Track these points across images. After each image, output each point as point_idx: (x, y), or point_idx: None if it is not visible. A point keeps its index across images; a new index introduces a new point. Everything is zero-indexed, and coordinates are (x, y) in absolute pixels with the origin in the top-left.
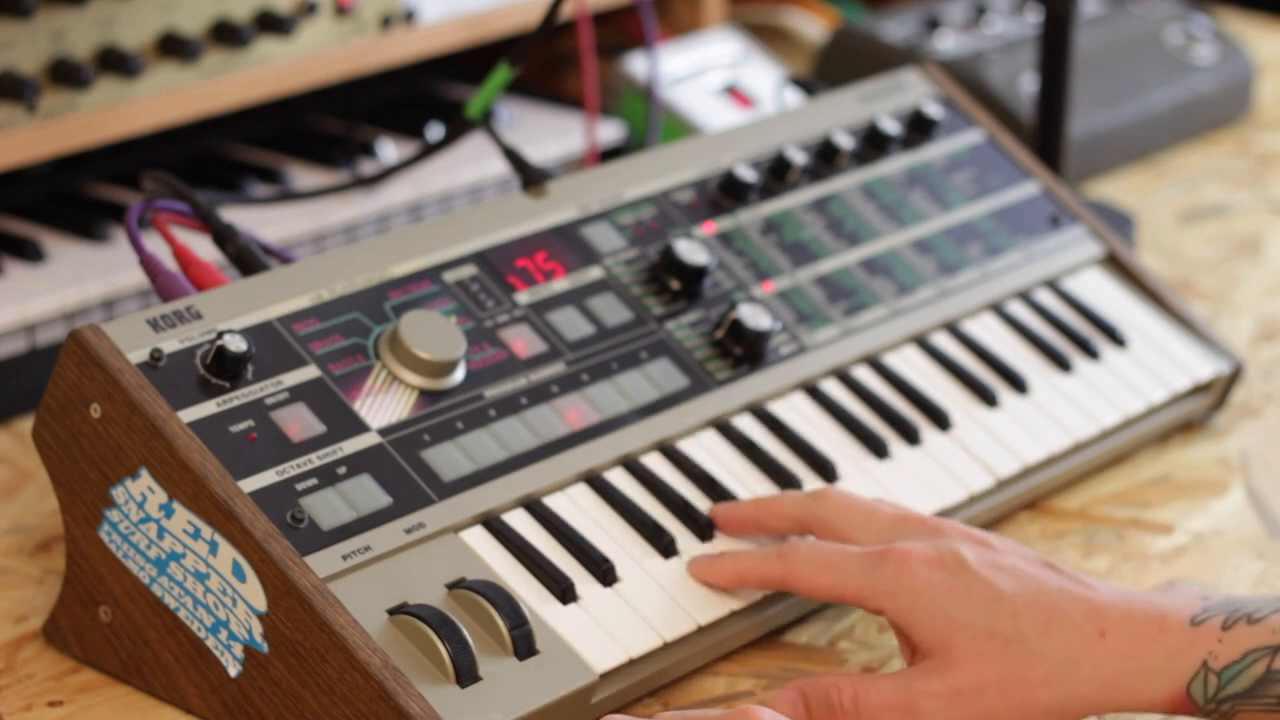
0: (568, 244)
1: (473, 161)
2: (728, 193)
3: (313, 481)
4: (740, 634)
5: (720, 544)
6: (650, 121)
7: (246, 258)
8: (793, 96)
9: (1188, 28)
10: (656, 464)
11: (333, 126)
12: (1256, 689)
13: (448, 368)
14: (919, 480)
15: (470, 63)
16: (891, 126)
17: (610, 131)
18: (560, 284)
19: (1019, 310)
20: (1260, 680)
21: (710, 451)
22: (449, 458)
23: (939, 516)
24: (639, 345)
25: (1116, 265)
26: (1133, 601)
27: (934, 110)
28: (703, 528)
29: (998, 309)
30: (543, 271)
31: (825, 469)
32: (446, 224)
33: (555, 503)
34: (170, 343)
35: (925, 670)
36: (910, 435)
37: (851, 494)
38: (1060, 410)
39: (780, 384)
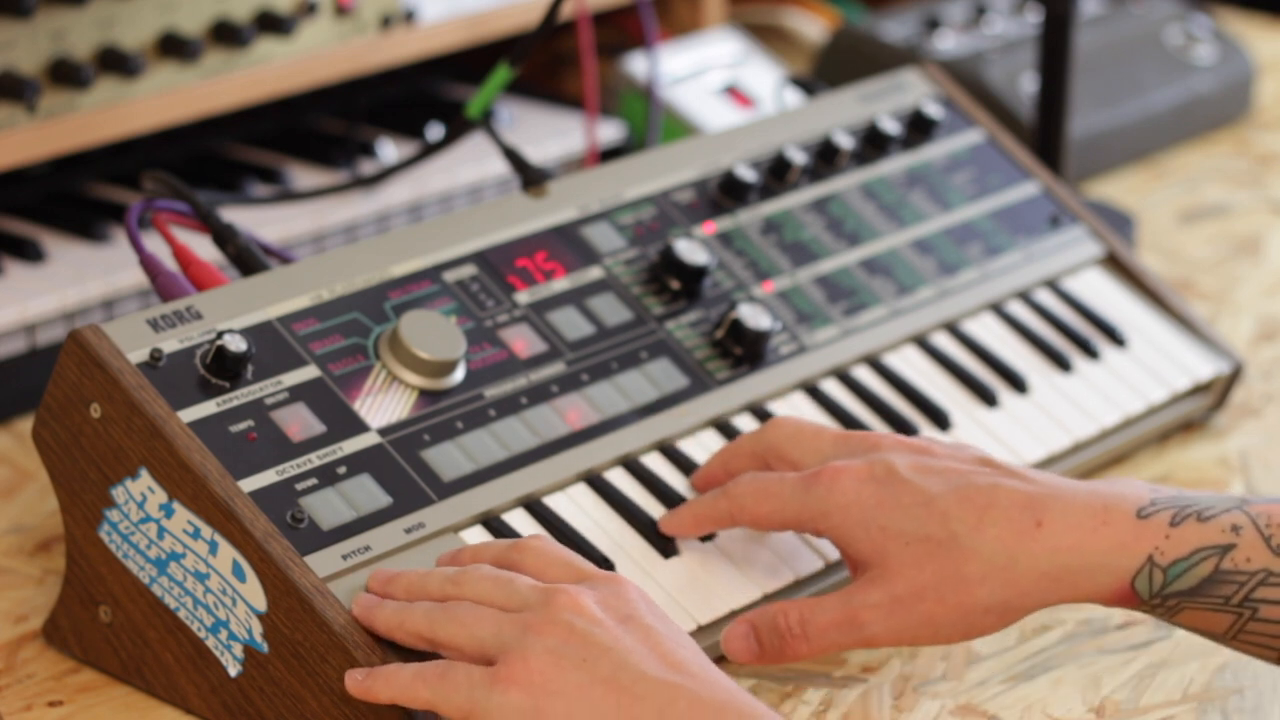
0: (568, 244)
1: (473, 161)
2: (728, 193)
3: (313, 481)
4: None
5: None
6: (650, 121)
7: (246, 258)
8: (793, 96)
9: (1188, 28)
10: (656, 464)
11: (333, 126)
12: (1203, 588)
13: (448, 368)
14: None
15: (470, 63)
16: (891, 126)
17: (610, 131)
18: (560, 284)
19: (1019, 310)
20: (1207, 579)
21: (710, 451)
22: (449, 457)
23: (882, 433)
24: (639, 345)
25: (1116, 265)
26: (1074, 492)
27: (934, 110)
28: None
29: (998, 309)
30: (543, 271)
31: None
32: (446, 224)
33: (555, 503)
34: (170, 343)
35: (864, 582)
36: (909, 435)
37: (798, 419)
38: (1060, 410)
39: (780, 384)
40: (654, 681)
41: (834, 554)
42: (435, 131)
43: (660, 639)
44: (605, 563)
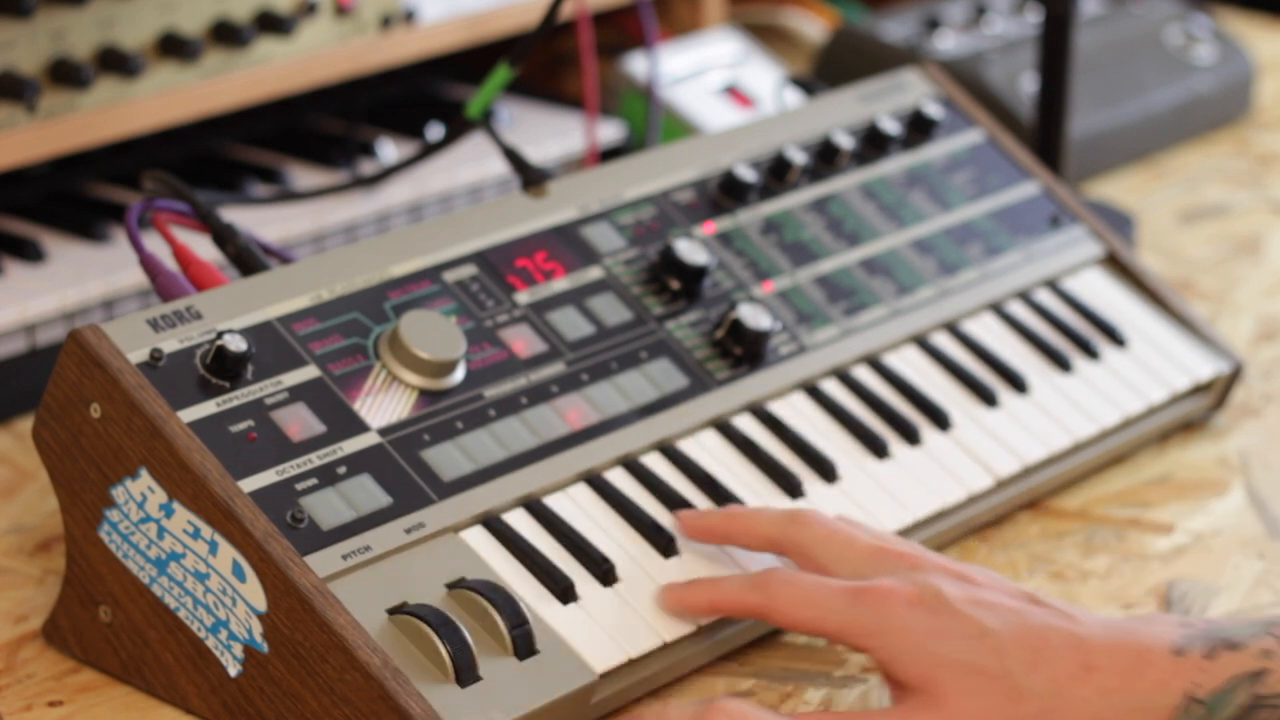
0: (568, 244)
1: (473, 161)
2: (728, 193)
3: (313, 481)
4: (740, 634)
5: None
6: (650, 121)
7: (246, 258)
8: (793, 96)
9: (1188, 28)
10: (656, 464)
11: (333, 126)
12: (1244, 717)
13: (448, 368)
14: (919, 480)
15: (470, 63)
16: (891, 126)
17: (610, 131)
18: (560, 284)
19: (1019, 310)
20: (1246, 708)
21: (710, 451)
22: (449, 457)
23: (917, 550)
24: (639, 345)
25: (1116, 265)
26: (1116, 633)
27: (934, 110)
28: None
29: (998, 309)
30: (543, 271)
31: (825, 469)
32: (446, 224)
33: (555, 503)
34: (170, 343)
35: (914, 709)
36: (910, 435)
37: (830, 520)
38: (1060, 410)
39: (780, 384)
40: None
41: None
42: (435, 131)
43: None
44: (605, 562)
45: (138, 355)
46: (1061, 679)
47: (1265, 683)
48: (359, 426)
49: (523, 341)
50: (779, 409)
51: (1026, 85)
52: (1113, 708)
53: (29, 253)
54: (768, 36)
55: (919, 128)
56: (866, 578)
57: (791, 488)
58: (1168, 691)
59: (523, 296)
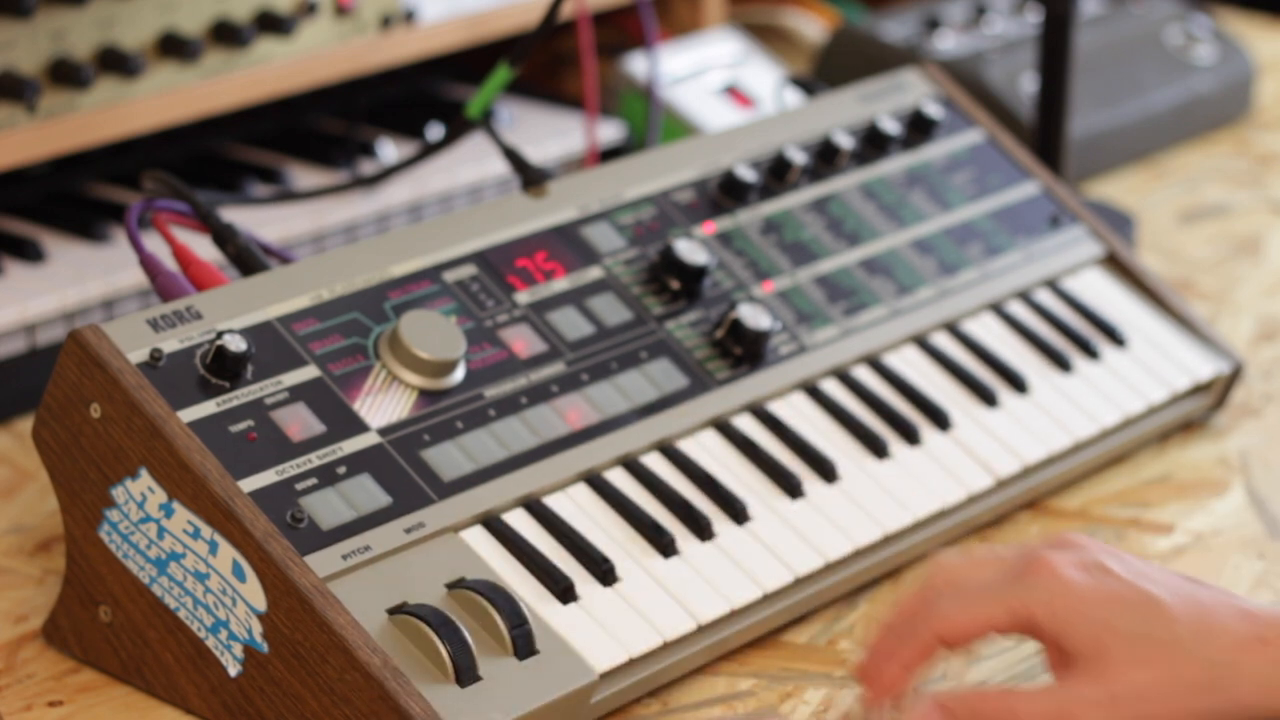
0: (568, 244)
1: (473, 161)
2: (728, 193)
3: (313, 481)
4: (740, 634)
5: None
6: (650, 121)
7: (246, 258)
8: (793, 96)
9: (1188, 28)
10: (656, 464)
11: (333, 126)
12: None
13: (448, 367)
14: (919, 480)
15: (470, 63)
16: (891, 126)
17: (610, 131)
18: (560, 284)
19: (1019, 310)
20: None
21: (710, 451)
22: (449, 457)
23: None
24: (639, 345)
25: (1116, 265)
26: (1269, 608)
27: (934, 110)
28: (702, 526)
29: (998, 309)
30: (543, 271)
31: (825, 469)
32: (446, 224)
33: (555, 502)
34: (170, 343)
35: (1081, 677)
36: (910, 435)
37: (954, 557)
38: (1060, 410)
39: (780, 384)
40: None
41: (832, 552)
42: (435, 131)
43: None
44: (605, 562)
45: (138, 355)
46: (1234, 649)
47: None
48: (359, 426)
49: (523, 341)
50: (779, 409)
51: (1026, 85)
52: None
53: (29, 253)
54: (768, 36)
55: (919, 128)
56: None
57: (791, 488)
58: None
59: (523, 296)
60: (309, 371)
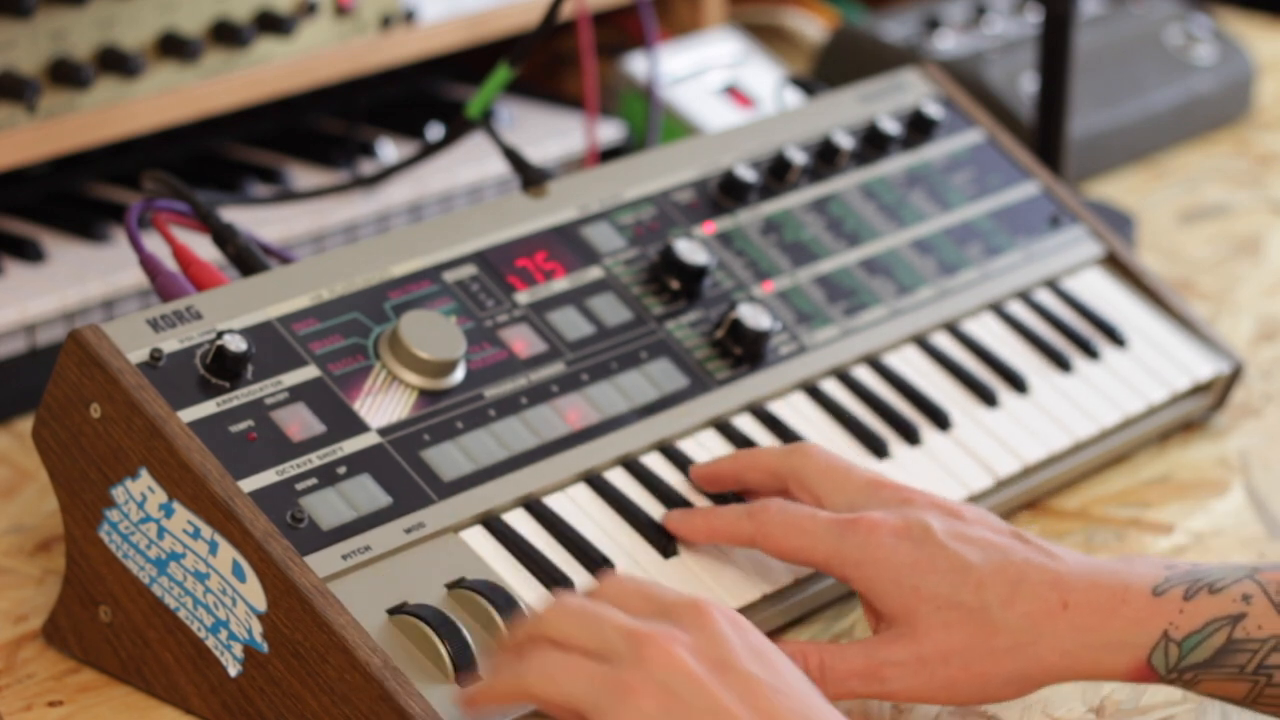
0: (568, 244)
1: (473, 161)
2: (728, 193)
3: (313, 481)
4: None
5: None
6: (650, 121)
7: (246, 258)
8: (793, 96)
9: (1188, 28)
10: (656, 464)
11: (333, 126)
12: (1217, 659)
13: (448, 368)
14: (919, 480)
15: (470, 63)
16: (891, 126)
17: (610, 131)
18: (560, 284)
19: (1019, 310)
20: (1221, 650)
21: (710, 451)
22: (449, 457)
23: (912, 487)
24: (639, 345)
25: (1116, 265)
26: (1097, 572)
27: (934, 110)
28: None
29: (998, 309)
30: (543, 271)
31: None
32: (446, 224)
33: (555, 502)
34: (170, 343)
35: (891, 639)
36: (910, 435)
37: (829, 453)
38: (1060, 410)
39: (780, 384)
40: None
41: None
42: (435, 131)
43: (759, 690)
44: (605, 562)
45: (138, 355)
46: (1038, 615)
47: (1242, 626)
48: (359, 426)
49: (523, 341)
50: (779, 409)
51: (1026, 85)
52: (1087, 644)
53: (29, 253)
54: (768, 36)
55: (919, 128)
56: (859, 510)
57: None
58: (1144, 630)
59: (523, 296)
60: (309, 371)
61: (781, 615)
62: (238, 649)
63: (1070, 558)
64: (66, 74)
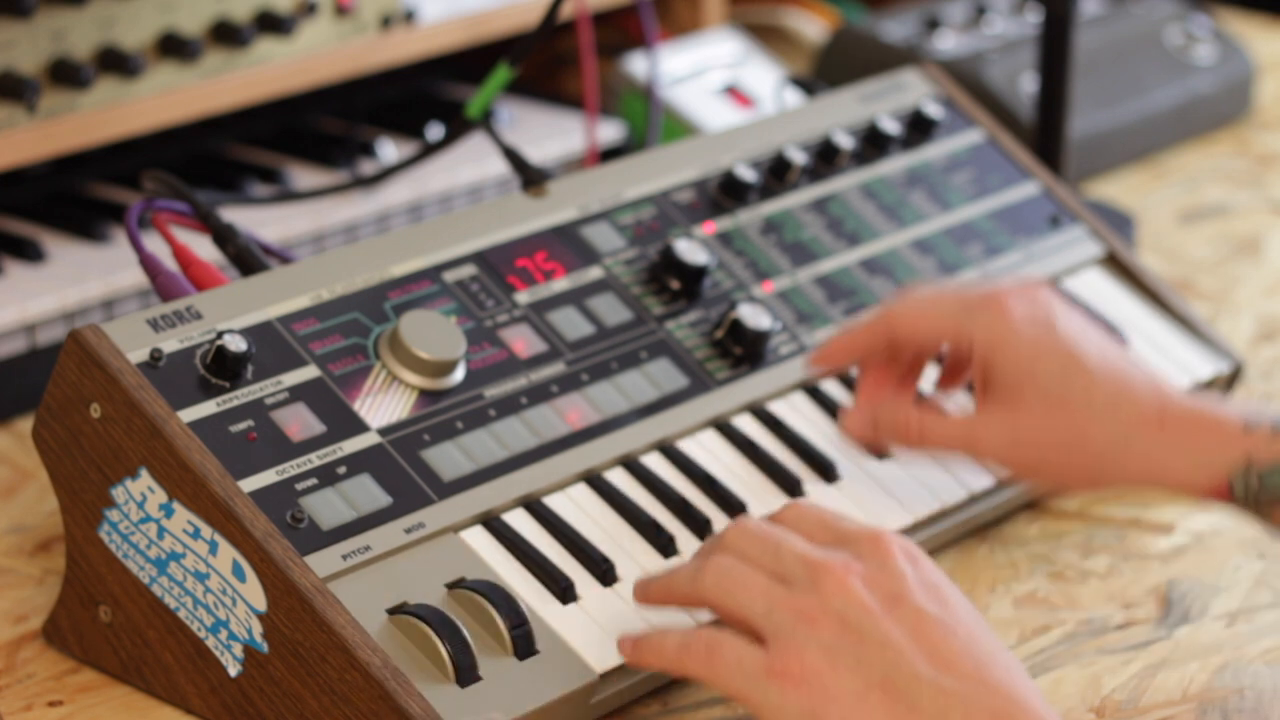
0: (568, 244)
1: (473, 161)
2: (728, 193)
3: (313, 481)
4: None
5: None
6: (650, 121)
7: (246, 258)
8: (793, 96)
9: (1188, 28)
10: (656, 464)
11: (333, 126)
12: None
13: (448, 368)
14: (919, 480)
15: (470, 63)
16: (891, 126)
17: (610, 131)
18: (560, 284)
19: None
20: None
21: (710, 451)
22: (449, 457)
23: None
24: (639, 345)
25: (1116, 265)
26: (1197, 398)
27: (934, 110)
28: (702, 526)
29: None
30: (543, 271)
31: (825, 469)
32: (446, 224)
33: (555, 503)
34: (170, 343)
35: (995, 412)
36: None
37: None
38: None
39: (780, 384)
40: (927, 686)
41: None
42: (435, 131)
43: (929, 625)
44: (605, 562)
45: (138, 355)
46: (1135, 424)
47: None
48: (359, 426)
49: (523, 341)
50: (779, 409)
51: (1026, 85)
52: (1172, 460)
53: (29, 253)
54: (768, 36)
55: (919, 128)
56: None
57: (791, 488)
58: (1230, 455)
59: (523, 296)
60: (309, 371)
61: None
62: (238, 649)
63: (1166, 378)
64: (66, 74)
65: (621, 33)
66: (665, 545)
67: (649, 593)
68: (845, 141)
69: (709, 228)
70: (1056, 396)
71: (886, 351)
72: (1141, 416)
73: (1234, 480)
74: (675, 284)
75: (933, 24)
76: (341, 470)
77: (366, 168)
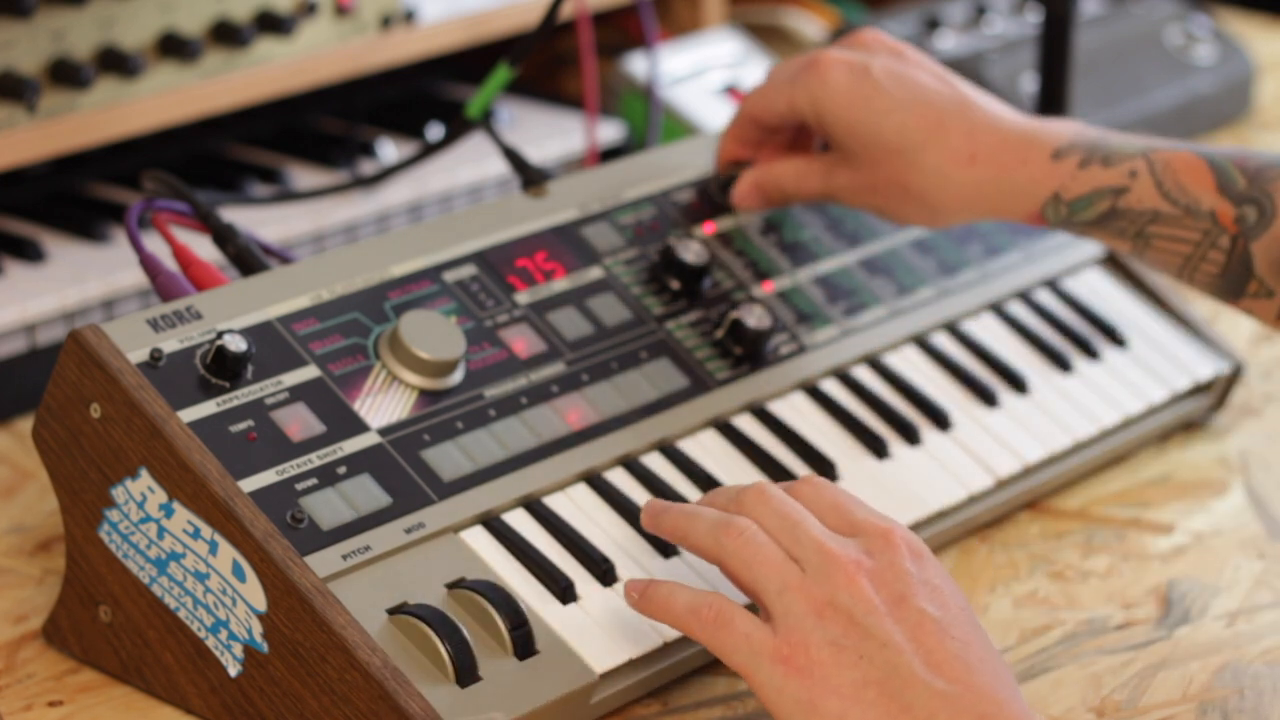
0: (568, 244)
1: (473, 161)
2: (728, 192)
3: (313, 481)
4: None
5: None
6: (650, 121)
7: (246, 258)
8: None
9: (1188, 28)
10: (656, 464)
11: (333, 126)
12: (1102, 221)
13: (448, 368)
14: (919, 480)
15: (470, 63)
16: None
17: (610, 131)
18: (560, 284)
19: (1019, 310)
20: (1105, 215)
21: (710, 451)
22: (449, 457)
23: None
24: (639, 345)
25: (1116, 265)
26: (1007, 130)
27: None
28: None
29: (998, 309)
30: (543, 271)
31: (825, 469)
32: (446, 224)
33: (555, 503)
34: (170, 343)
35: (838, 164)
36: (910, 435)
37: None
38: (1060, 410)
39: (780, 384)
40: (921, 688)
41: None
42: (435, 131)
43: (928, 627)
44: (605, 562)
45: (138, 355)
46: (948, 164)
47: (1125, 199)
48: (359, 426)
49: (523, 341)
50: (779, 409)
51: (1026, 85)
52: (987, 194)
53: (29, 253)
54: (768, 36)
55: None
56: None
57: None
58: (1038, 187)
59: (523, 296)
60: (309, 371)
61: None
62: (238, 649)
63: (987, 105)
64: (66, 74)
65: (621, 33)
66: (665, 545)
67: (660, 525)
68: None
69: (709, 228)
70: (877, 145)
71: (762, 133)
72: (954, 155)
73: (1045, 210)
74: (675, 284)
75: (933, 24)
76: (341, 470)
77: (366, 168)
